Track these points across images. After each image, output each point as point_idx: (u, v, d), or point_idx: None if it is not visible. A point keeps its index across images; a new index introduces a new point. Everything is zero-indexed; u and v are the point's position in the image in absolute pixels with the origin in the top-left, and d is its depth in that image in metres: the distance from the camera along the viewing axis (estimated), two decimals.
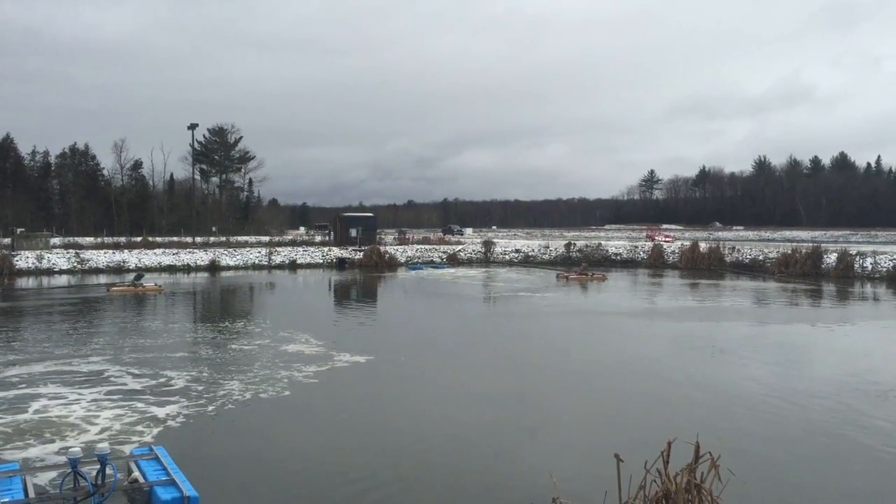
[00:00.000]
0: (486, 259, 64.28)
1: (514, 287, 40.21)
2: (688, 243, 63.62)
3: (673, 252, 60.54)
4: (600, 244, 68.56)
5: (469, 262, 62.90)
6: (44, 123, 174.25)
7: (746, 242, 67.41)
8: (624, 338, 22.67)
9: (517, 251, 66.54)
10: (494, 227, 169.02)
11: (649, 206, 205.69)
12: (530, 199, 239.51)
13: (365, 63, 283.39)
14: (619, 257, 63.29)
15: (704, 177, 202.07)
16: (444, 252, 65.68)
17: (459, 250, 66.79)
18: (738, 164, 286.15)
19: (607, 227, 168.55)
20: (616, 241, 78.07)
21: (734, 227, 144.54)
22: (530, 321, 26.46)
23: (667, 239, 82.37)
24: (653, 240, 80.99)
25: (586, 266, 49.11)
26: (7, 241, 65.23)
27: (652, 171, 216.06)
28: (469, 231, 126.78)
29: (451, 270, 55.19)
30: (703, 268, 53.86)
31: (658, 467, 7.05)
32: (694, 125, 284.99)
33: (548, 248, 67.11)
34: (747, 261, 54.00)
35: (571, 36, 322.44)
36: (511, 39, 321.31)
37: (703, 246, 59.28)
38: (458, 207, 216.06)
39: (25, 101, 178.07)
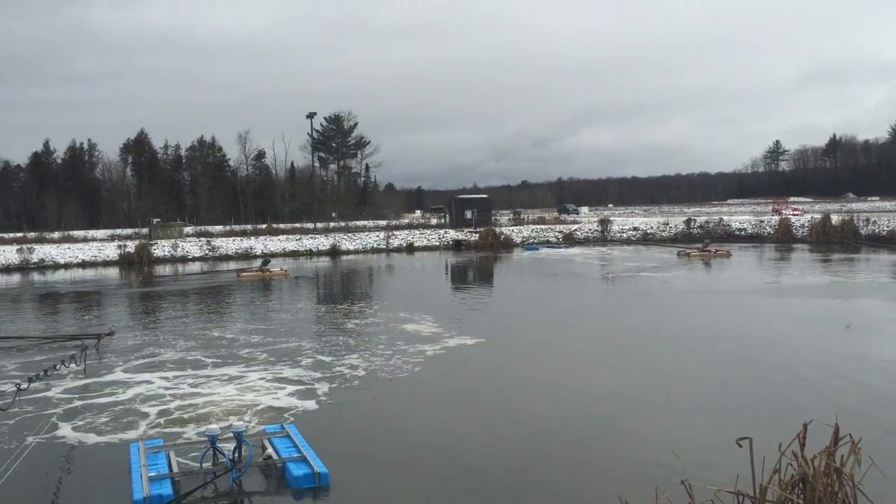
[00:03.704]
0: (603, 238, 63.23)
1: (632, 266, 39.39)
2: (818, 216, 60.43)
3: (802, 226, 57.71)
4: (722, 219, 66.13)
5: (585, 242, 62.07)
6: (175, 118, 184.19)
7: (884, 214, 63.31)
8: (751, 316, 21.82)
9: (635, 229, 65.10)
10: (611, 205, 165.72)
11: (775, 179, 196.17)
12: (648, 175, 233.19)
13: (482, 44, 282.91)
14: (743, 233, 60.88)
15: (835, 146, 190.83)
16: (559, 231, 65.07)
17: (575, 229, 66.00)
18: (873, 131, 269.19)
19: (730, 201, 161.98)
20: (740, 216, 75.10)
21: (869, 198, 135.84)
22: (651, 300, 25.85)
23: (795, 212, 78.43)
24: (779, 213, 77.33)
25: (709, 242, 47.52)
26: (145, 231, 69.42)
27: (777, 142, 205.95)
28: (585, 210, 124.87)
29: (568, 250, 54.63)
30: (835, 242, 51.08)
31: (793, 450, 6.76)
32: (825, 92, 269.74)
33: (667, 224, 65.31)
34: (885, 233, 50.76)
35: (695, 3, 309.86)
36: (632, 11, 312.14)
37: (834, 218, 56.12)
38: (573, 186, 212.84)
39: (160, 98, 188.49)
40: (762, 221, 63.71)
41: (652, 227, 64.87)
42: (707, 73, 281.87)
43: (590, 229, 65.90)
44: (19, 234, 72.18)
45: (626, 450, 10.22)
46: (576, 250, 53.93)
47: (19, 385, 11.87)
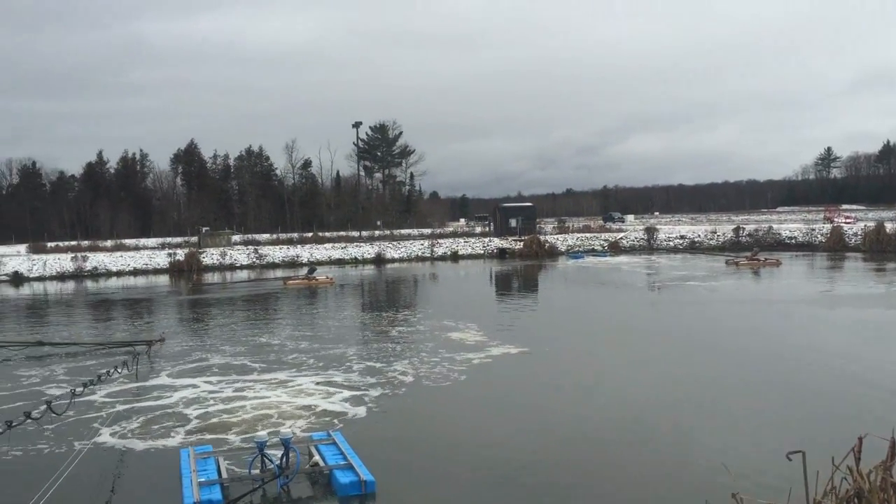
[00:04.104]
0: (650, 246, 62.54)
1: (679, 274, 38.89)
2: (872, 224, 58.88)
3: (855, 234, 56.32)
4: (772, 227, 64.92)
5: (631, 250, 61.48)
6: (223, 128, 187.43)
7: None
8: (802, 326, 21.39)
9: (682, 237, 64.28)
10: (657, 213, 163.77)
11: (826, 186, 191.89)
12: (695, 182, 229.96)
13: (531, 53, 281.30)
14: (793, 241, 59.68)
15: (889, 152, 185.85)
16: (604, 240, 64.59)
17: (621, 238, 65.43)
18: None
19: (779, 209, 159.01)
20: (790, 224, 73.66)
21: None
22: (698, 310, 25.49)
23: (847, 220, 76.64)
24: (831, 221, 75.66)
25: (758, 251, 46.70)
26: (195, 239, 70.69)
27: (829, 149, 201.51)
28: (630, 218, 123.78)
29: (613, 259, 54.17)
30: (890, 250, 49.71)
31: (848, 464, 6.60)
32: (878, 97, 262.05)
33: (715, 233, 64.36)
34: None
35: (745, 8, 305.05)
36: (684, 17, 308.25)
37: (889, 226, 54.64)
38: (619, 194, 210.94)
39: (210, 108, 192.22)
40: (813, 230, 62.40)
41: (699, 236, 63.99)
42: (757, 78, 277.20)
43: (636, 238, 65.28)
44: (74, 243, 74.06)
45: (674, 460, 10.08)
46: (621, 259, 53.45)
47: (74, 390, 12.17)
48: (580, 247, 61.72)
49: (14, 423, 8.94)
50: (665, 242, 63.34)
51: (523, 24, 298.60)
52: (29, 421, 9.44)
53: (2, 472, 10.30)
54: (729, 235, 62.35)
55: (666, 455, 10.33)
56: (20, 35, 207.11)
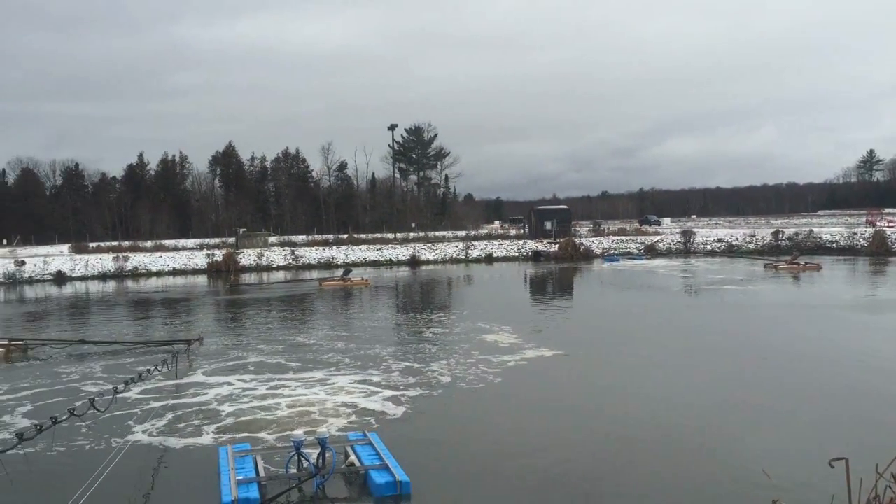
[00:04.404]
0: (686, 249, 61.85)
1: (717, 278, 38.42)
2: None
3: None
4: (812, 231, 63.81)
5: (668, 253, 60.88)
6: (261, 130, 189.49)
7: None
8: (843, 331, 21.01)
9: (720, 240, 63.49)
10: (694, 216, 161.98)
11: (869, 189, 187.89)
12: (733, 185, 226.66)
13: (567, 54, 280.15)
14: (834, 245, 58.61)
15: None
16: (641, 243, 64.04)
17: (657, 241, 64.82)
18: None
19: (820, 212, 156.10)
20: (830, 228, 72.33)
21: None
22: (736, 314, 25.15)
23: (891, 223, 75.04)
24: (874, 225, 74.14)
25: (797, 255, 45.93)
26: (232, 240, 71.54)
27: (871, 151, 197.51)
28: (667, 221, 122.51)
29: (650, 262, 53.70)
30: None
31: (893, 471, 6.47)
32: None
33: (753, 236, 63.47)
34: None
35: (787, 8, 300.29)
36: (724, 17, 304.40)
37: None
38: (655, 197, 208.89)
39: (248, 111, 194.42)
40: (855, 233, 61.19)
41: (737, 239, 63.15)
42: (798, 79, 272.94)
43: (672, 241, 64.62)
44: (115, 243, 75.44)
45: (713, 464, 9.96)
46: (658, 262, 52.96)
47: (116, 388, 12.41)
48: (616, 250, 61.27)
49: (59, 419, 9.13)
50: (702, 246, 62.61)
51: (560, 25, 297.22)
52: (72, 417, 9.62)
53: (47, 467, 10.52)
54: (768, 239, 61.42)
55: (704, 459, 10.22)
56: (65, 39, 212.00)
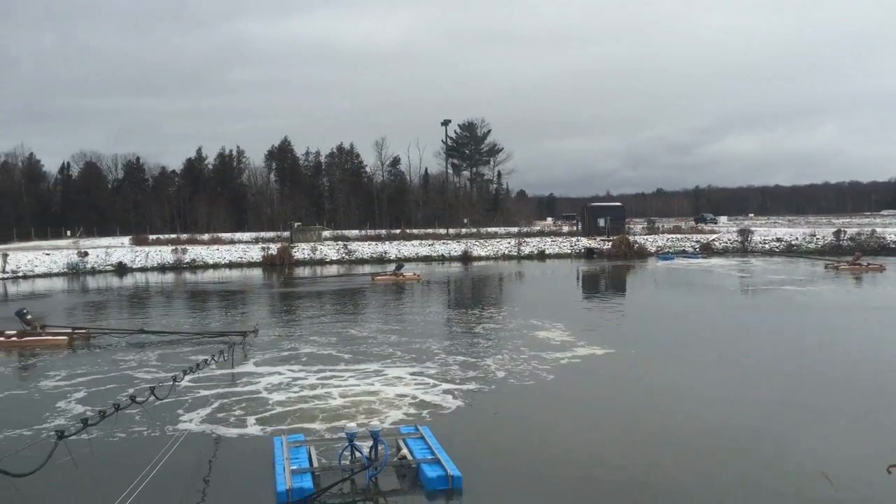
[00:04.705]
0: (743, 248, 60.64)
1: (776, 278, 37.58)
2: None
3: None
4: (875, 231, 61.92)
5: (724, 252, 59.77)
6: (316, 126, 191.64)
7: None
8: None
9: (778, 240, 62.09)
10: (751, 215, 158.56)
11: None
12: (792, 184, 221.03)
13: (622, 49, 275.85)
14: None
15: None
16: (696, 241, 63.03)
17: (713, 239, 63.71)
18: None
19: (884, 212, 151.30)
20: (895, 228, 70.12)
21: None
22: (794, 315, 24.56)
23: None
24: None
25: (860, 255, 44.64)
26: (287, 234, 72.56)
27: None
28: (723, 219, 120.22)
29: (705, 260, 52.80)
30: None
31: None
32: None
33: (814, 235, 61.92)
34: None
35: (849, 2, 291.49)
36: (782, 10, 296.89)
37: None
38: (711, 195, 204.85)
39: (304, 106, 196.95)
40: None
41: (797, 239, 61.68)
42: (862, 75, 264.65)
43: (729, 239, 63.43)
44: (173, 236, 77.18)
45: (771, 467, 9.75)
46: (714, 261, 52.04)
47: (175, 377, 12.70)
48: (670, 248, 60.41)
49: (121, 407, 9.38)
50: (760, 245, 61.32)
51: (615, 20, 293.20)
52: (133, 405, 9.88)
53: (109, 452, 10.82)
54: (829, 239, 59.85)
55: (761, 462, 10.01)
56: (131, 36, 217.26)
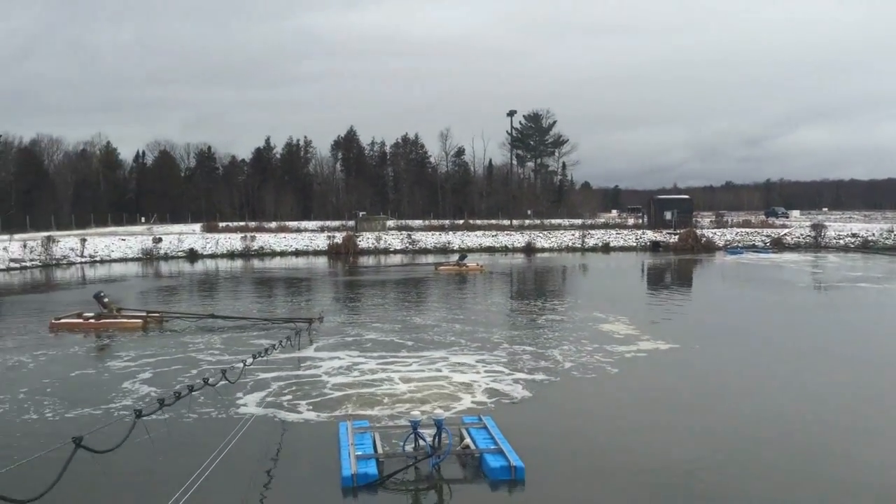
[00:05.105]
0: (816, 244, 58.90)
1: (851, 275, 36.40)
2: None
3: None
4: None
5: (796, 247, 58.15)
6: (381, 116, 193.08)
7: None
8: None
9: (854, 235, 60.10)
10: (825, 209, 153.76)
11: None
12: (870, 177, 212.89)
13: (690, 39, 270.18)
14: None
15: None
16: (766, 235, 61.46)
17: (785, 234, 62.02)
18: None
19: None
20: None
21: None
22: (871, 313, 23.78)
23: None
24: None
25: None
26: (352, 223, 73.42)
27: None
28: (795, 213, 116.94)
29: (776, 255, 51.46)
30: None
31: None
32: None
33: (892, 231, 59.71)
34: None
35: None
36: (856, 2, 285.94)
37: None
38: (783, 188, 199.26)
39: (370, 97, 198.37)
40: None
41: (874, 234, 59.61)
42: None
43: (801, 234, 61.65)
44: (242, 223, 78.89)
45: (839, 478, 9.50)
46: (785, 256, 50.68)
47: (245, 361, 13.02)
48: (739, 242, 59.05)
49: (194, 389, 9.68)
50: (834, 241, 59.45)
51: (683, 9, 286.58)
52: (205, 387, 10.18)
53: (181, 433, 11.18)
54: None
55: (829, 472, 9.75)
56: (204, 29, 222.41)
